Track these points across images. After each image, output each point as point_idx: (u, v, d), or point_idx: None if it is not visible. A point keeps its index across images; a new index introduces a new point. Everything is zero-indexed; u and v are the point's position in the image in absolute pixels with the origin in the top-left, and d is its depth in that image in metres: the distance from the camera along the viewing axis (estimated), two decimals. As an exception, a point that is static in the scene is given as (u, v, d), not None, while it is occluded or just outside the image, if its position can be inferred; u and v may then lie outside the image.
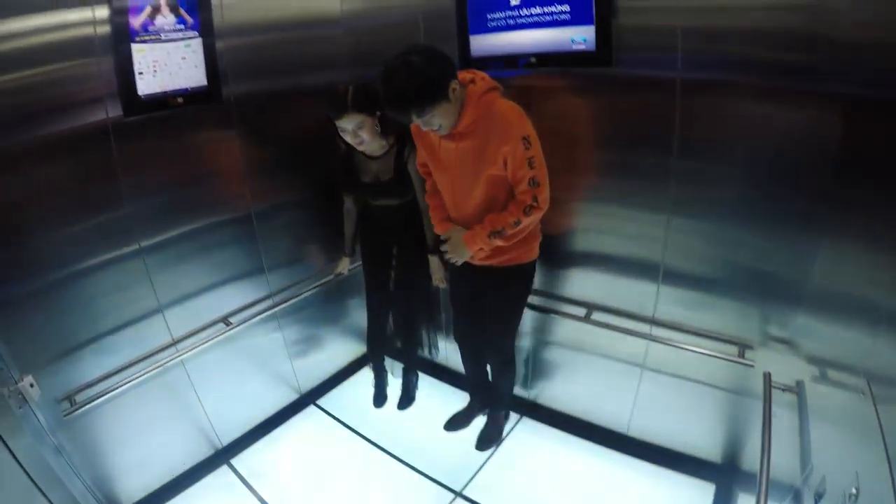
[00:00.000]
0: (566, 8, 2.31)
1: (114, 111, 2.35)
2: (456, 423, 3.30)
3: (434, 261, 2.94)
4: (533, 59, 2.49)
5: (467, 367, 3.18)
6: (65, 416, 2.31)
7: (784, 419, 2.08)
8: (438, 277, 2.98)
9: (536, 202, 2.24)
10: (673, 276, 2.47)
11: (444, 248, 2.53)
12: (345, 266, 3.30)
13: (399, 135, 2.74)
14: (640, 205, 2.45)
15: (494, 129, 2.16)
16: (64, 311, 2.34)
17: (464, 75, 2.18)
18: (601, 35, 2.25)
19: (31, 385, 2.06)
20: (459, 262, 2.53)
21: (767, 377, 2.17)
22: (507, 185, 2.29)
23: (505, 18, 2.50)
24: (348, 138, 2.63)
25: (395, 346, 3.65)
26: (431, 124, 2.14)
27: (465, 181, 2.34)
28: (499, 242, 2.34)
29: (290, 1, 2.98)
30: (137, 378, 2.53)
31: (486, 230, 2.32)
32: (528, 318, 3.04)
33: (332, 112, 2.57)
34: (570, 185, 2.56)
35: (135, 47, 2.36)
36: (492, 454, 3.06)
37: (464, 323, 2.98)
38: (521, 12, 2.44)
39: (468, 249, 2.42)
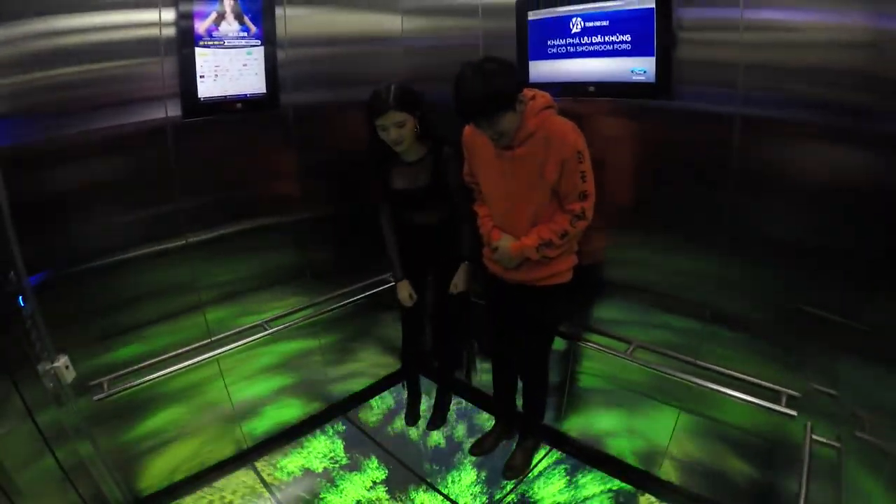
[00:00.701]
0: (627, 38, 2.30)
1: (173, 111, 2.42)
2: (481, 447, 3.26)
3: (464, 268, 2.92)
4: (592, 88, 2.47)
5: (498, 385, 3.19)
6: (96, 400, 2.34)
7: (823, 473, 2.00)
8: (461, 285, 2.94)
9: (584, 214, 2.34)
10: (720, 317, 2.40)
11: (494, 255, 2.55)
12: (406, 289, 3.08)
13: (437, 140, 2.75)
14: (691, 242, 2.40)
15: (551, 143, 2.25)
16: (107, 298, 2.40)
17: (525, 91, 2.25)
18: (661, 67, 2.23)
19: (67, 367, 2.09)
20: (508, 267, 2.54)
21: (808, 428, 2.10)
22: (556, 197, 2.36)
23: (565, 46, 2.50)
24: (388, 136, 2.59)
25: (431, 365, 3.63)
26: (495, 131, 2.21)
27: (517, 193, 2.40)
28: (546, 253, 2.40)
29: (352, 16, 3.05)
30: (172, 371, 2.57)
31: (534, 241, 2.39)
32: (566, 348, 3.00)
33: (372, 109, 2.56)
34: (622, 216, 2.53)
35: (198, 51, 2.43)
36: (517, 484, 3.00)
37: (498, 337, 3.00)
38: (582, 40, 2.44)
39: (515, 258, 2.47)
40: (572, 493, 2.91)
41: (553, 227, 2.36)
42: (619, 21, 2.30)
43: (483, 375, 3.60)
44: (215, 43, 2.46)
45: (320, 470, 3.15)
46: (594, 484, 2.95)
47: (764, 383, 2.30)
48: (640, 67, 2.28)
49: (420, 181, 2.77)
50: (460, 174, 2.69)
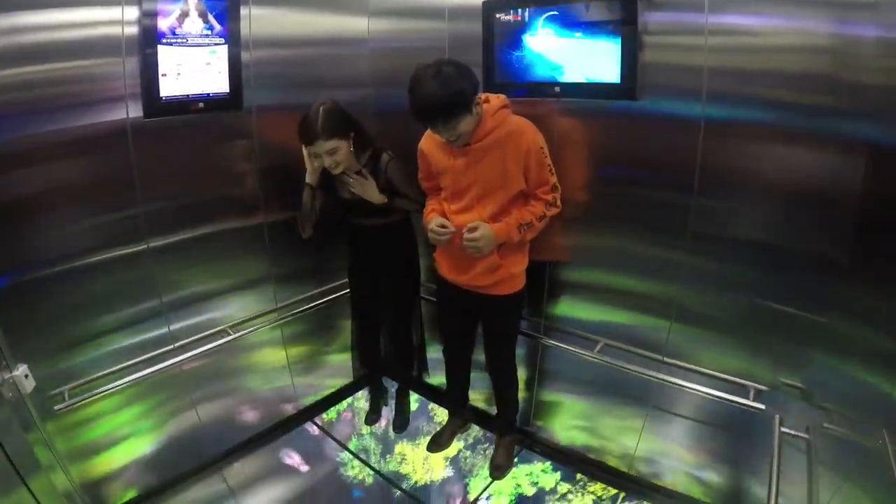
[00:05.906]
0: (590, 41, 2.33)
1: (134, 112, 2.35)
2: (438, 443, 3.27)
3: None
4: (557, 89, 2.49)
5: (452, 382, 3.22)
6: (57, 410, 2.27)
7: (793, 466, 2.05)
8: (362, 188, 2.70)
9: (556, 203, 2.40)
10: (686, 315, 2.43)
11: (470, 242, 2.35)
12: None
13: (375, 150, 2.73)
14: (657, 241, 2.43)
15: (510, 140, 2.29)
16: (67, 304, 2.33)
17: (480, 95, 2.27)
18: (626, 69, 2.26)
19: (26, 376, 2.01)
20: (481, 255, 2.41)
21: (778, 422, 2.13)
22: (517, 198, 2.39)
23: (531, 47, 2.51)
24: (323, 163, 2.56)
25: (391, 367, 3.62)
26: (451, 133, 2.22)
27: (478, 191, 2.39)
28: (525, 235, 2.39)
29: (317, 17, 3.03)
30: (134, 379, 2.50)
31: (515, 221, 2.37)
32: (534, 348, 3.02)
33: (303, 137, 2.53)
34: (587, 217, 2.56)
35: (161, 49, 2.36)
36: (487, 486, 2.99)
37: (451, 338, 3.02)
38: (548, 42, 2.45)
39: (496, 241, 2.37)
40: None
41: (531, 209, 2.38)
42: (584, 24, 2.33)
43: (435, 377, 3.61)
44: (178, 41, 2.41)
45: (289, 476, 3.09)
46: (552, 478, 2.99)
47: (732, 378, 2.34)
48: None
49: None
50: (407, 178, 2.71)
